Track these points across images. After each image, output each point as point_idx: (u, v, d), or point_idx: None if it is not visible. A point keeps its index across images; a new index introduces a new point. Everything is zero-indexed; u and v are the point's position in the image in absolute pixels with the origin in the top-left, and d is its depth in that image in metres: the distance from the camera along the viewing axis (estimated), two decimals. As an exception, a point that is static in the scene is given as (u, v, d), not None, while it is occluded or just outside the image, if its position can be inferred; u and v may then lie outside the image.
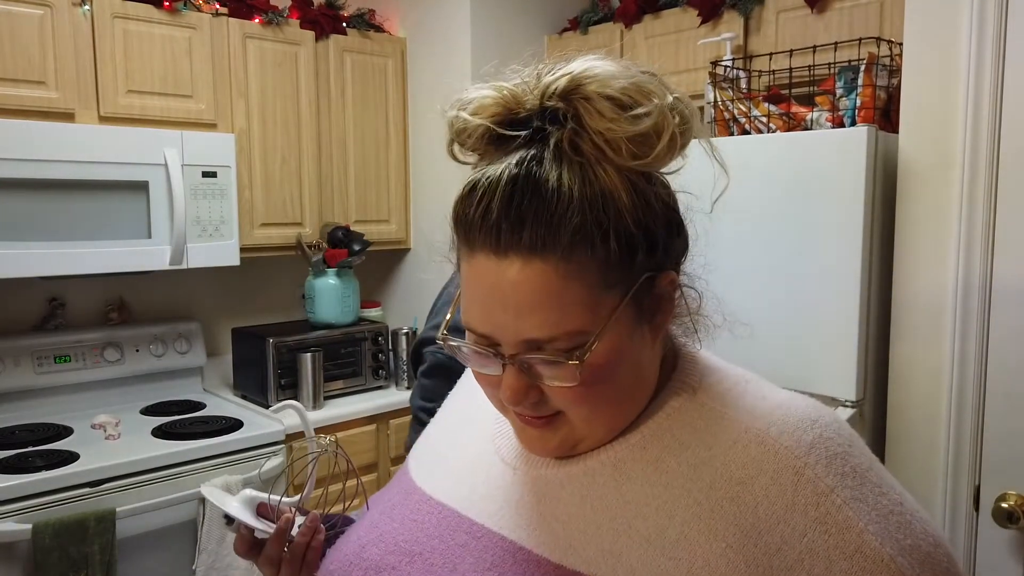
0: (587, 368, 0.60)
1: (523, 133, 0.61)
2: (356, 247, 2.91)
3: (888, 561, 0.58)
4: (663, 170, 0.65)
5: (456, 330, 0.65)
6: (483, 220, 0.60)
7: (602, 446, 0.67)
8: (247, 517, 0.81)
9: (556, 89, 0.60)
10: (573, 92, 0.60)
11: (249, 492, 0.84)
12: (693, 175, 0.67)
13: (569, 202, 0.58)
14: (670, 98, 0.60)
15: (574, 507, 0.65)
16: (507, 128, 0.62)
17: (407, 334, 3.01)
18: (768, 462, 0.61)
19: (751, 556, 0.58)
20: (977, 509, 1.65)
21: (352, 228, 2.99)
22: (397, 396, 2.92)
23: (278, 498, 0.83)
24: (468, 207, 0.61)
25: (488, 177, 0.60)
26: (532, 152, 0.60)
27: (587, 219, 0.58)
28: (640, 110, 0.58)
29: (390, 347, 3.04)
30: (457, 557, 0.66)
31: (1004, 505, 1.57)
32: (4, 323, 2.56)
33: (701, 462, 0.63)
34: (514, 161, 0.60)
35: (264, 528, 0.80)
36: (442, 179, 3.07)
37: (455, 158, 0.67)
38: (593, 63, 0.61)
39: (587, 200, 0.58)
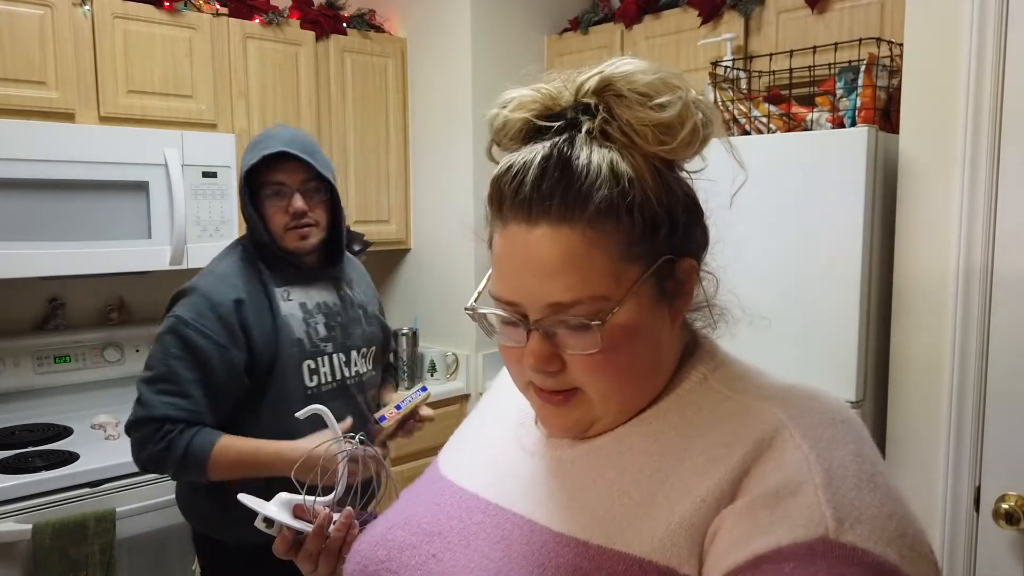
0: (608, 333, 0.64)
1: (558, 124, 0.66)
2: (356, 247, 2.90)
3: (815, 506, 0.57)
4: (687, 168, 0.69)
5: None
6: (516, 194, 0.65)
7: (614, 428, 0.70)
8: (286, 518, 0.87)
9: (589, 87, 0.66)
10: (605, 89, 0.66)
11: (285, 495, 0.90)
12: (711, 172, 0.70)
13: (597, 176, 0.63)
14: (693, 93, 0.66)
15: (580, 481, 0.69)
16: (544, 121, 0.67)
17: (407, 334, 3.01)
18: (756, 426, 0.64)
19: (718, 507, 0.61)
20: (977, 509, 1.65)
21: (352, 228, 2.99)
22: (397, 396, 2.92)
23: (312, 499, 0.90)
24: (503, 184, 0.66)
25: (522, 158, 0.65)
26: (564, 137, 0.65)
27: (613, 192, 0.63)
28: (664, 98, 0.64)
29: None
30: (472, 534, 0.72)
31: (1004, 506, 1.57)
32: (4, 323, 2.56)
33: (697, 434, 0.66)
34: (547, 144, 0.65)
35: (302, 527, 0.87)
36: (442, 179, 3.08)
37: (493, 159, 0.72)
38: (622, 62, 0.66)
39: (615, 176, 0.63)
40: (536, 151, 0.65)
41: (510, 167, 0.66)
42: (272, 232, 1.65)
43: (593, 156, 0.64)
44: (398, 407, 1.52)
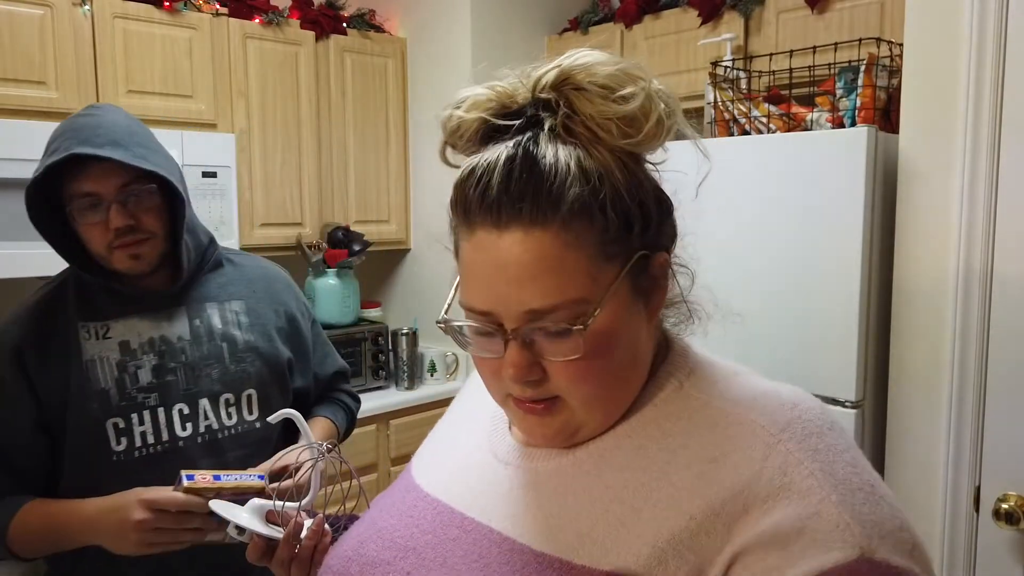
0: (590, 338, 0.61)
1: (517, 122, 0.64)
2: (356, 247, 2.91)
3: (844, 526, 0.57)
4: (651, 160, 0.67)
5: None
6: (482, 198, 0.61)
7: (593, 438, 0.68)
8: (257, 526, 0.87)
9: (547, 82, 0.63)
10: (563, 83, 0.63)
11: (257, 501, 0.90)
12: (684, 179, 0.69)
13: (567, 175, 0.60)
14: (655, 83, 0.63)
15: (559, 497, 0.67)
16: (502, 120, 0.64)
17: (407, 334, 3.01)
18: (743, 439, 0.62)
19: (712, 526, 0.59)
20: (977, 509, 1.65)
21: (352, 228, 2.99)
22: (397, 397, 2.92)
23: (282, 504, 0.89)
24: (467, 188, 0.63)
25: (486, 160, 0.63)
26: (528, 135, 0.63)
27: (584, 190, 0.60)
28: (627, 90, 0.61)
29: (390, 347, 3.05)
30: (448, 551, 0.69)
31: (1004, 506, 1.57)
32: (4, 323, 2.56)
33: (680, 447, 0.64)
34: (510, 144, 0.62)
35: (273, 534, 0.86)
36: (442, 179, 3.07)
37: (447, 162, 0.70)
38: (580, 54, 0.64)
39: (583, 173, 0.61)
40: (499, 152, 0.62)
41: (473, 170, 0.63)
42: (93, 254, 1.26)
43: (559, 154, 0.61)
44: (216, 477, 1.13)
